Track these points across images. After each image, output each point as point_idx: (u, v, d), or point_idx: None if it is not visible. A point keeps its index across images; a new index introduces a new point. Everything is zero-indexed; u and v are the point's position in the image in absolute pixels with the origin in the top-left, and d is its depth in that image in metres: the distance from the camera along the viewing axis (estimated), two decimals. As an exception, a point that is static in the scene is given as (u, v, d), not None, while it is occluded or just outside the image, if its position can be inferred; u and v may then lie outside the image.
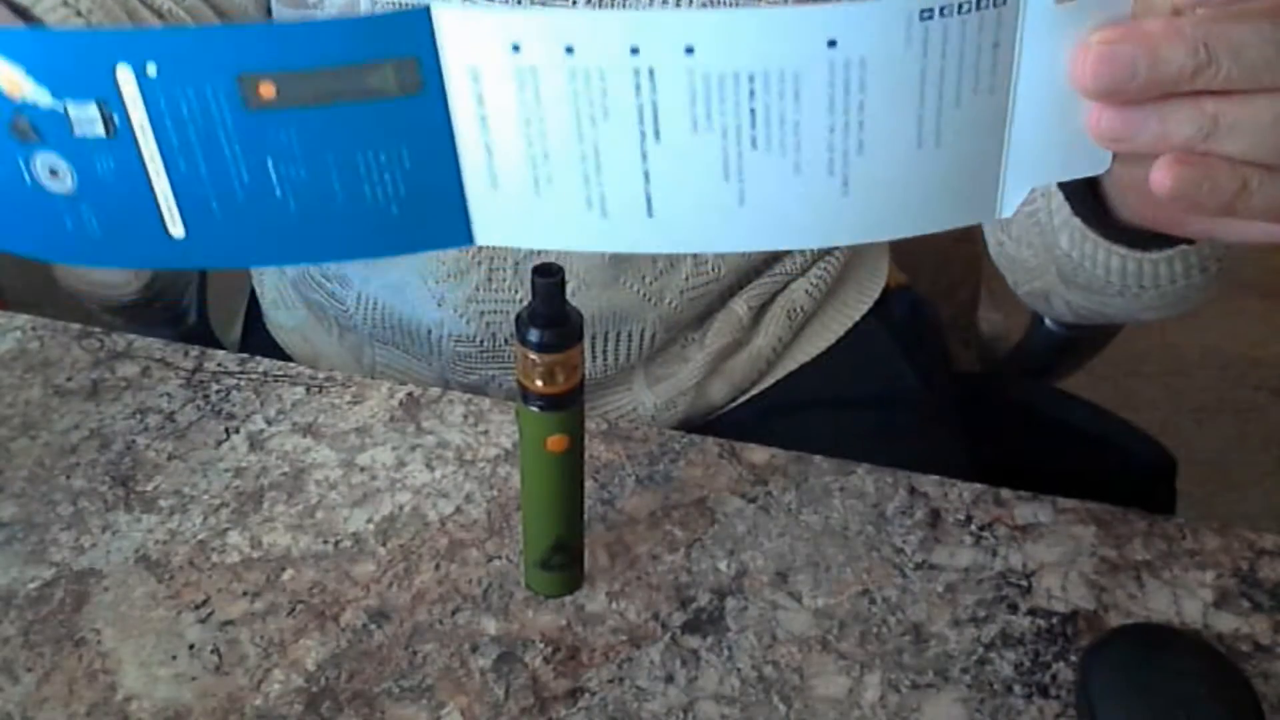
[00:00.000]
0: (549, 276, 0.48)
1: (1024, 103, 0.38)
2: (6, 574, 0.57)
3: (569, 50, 0.37)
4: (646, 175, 0.38)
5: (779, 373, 0.80)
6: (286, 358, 0.81)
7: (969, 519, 0.61)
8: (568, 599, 0.56)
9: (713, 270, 0.74)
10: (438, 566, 0.58)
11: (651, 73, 0.37)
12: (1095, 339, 0.91)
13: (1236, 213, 0.38)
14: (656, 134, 0.37)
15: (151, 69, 0.38)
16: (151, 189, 0.39)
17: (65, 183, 0.40)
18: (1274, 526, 0.61)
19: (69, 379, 0.68)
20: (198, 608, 0.56)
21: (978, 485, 0.62)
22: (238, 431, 0.65)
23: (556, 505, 0.54)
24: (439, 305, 0.73)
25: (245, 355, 0.70)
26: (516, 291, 0.72)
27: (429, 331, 0.75)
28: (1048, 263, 0.60)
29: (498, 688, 0.53)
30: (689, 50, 0.36)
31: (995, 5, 0.37)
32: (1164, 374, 1.71)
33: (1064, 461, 0.82)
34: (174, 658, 0.54)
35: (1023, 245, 0.63)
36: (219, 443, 0.64)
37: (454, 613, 0.56)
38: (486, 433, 0.65)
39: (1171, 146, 0.37)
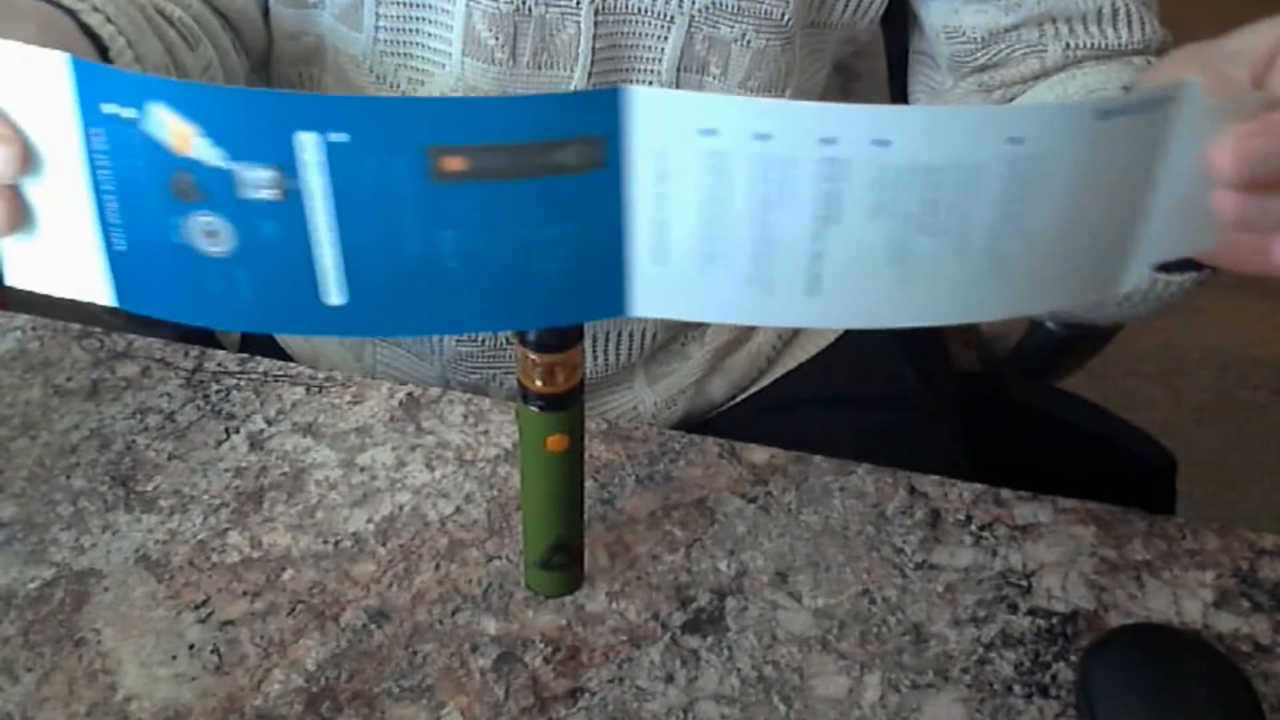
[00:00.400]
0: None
1: (1162, 191, 0.41)
2: (6, 574, 0.57)
3: (761, 137, 0.38)
4: (817, 257, 0.39)
5: (779, 371, 0.80)
6: (287, 357, 0.81)
7: (969, 519, 0.61)
8: (568, 599, 0.56)
9: None
10: (438, 566, 0.58)
11: (842, 164, 0.38)
12: (1095, 339, 0.91)
13: None
14: (837, 220, 0.38)
15: (339, 136, 0.37)
16: (312, 256, 0.39)
17: (222, 245, 0.39)
18: (1274, 526, 0.61)
19: (69, 379, 0.68)
20: (198, 608, 0.56)
21: (978, 485, 0.62)
22: (238, 431, 0.65)
23: (556, 505, 0.54)
24: None
25: (245, 355, 0.70)
26: None
27: None
28: None
29: (498, 688, 0.53)
30: (881, 143, 0.38)
31: (1157, 109, 0.39)
32: (1164, 374, 1.71)
33: (1064, 461, 0.82)
34: (174, 658, 0.54)
35: None
36: (219, 443, 0.64)
37: (454, 613, 0.56)
38: (486, 433, 0.65)
39: None
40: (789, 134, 0.38)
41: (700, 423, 0.80)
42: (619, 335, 0.74)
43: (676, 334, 0.77)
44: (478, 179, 0.38)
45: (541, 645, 0.55)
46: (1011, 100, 0.74)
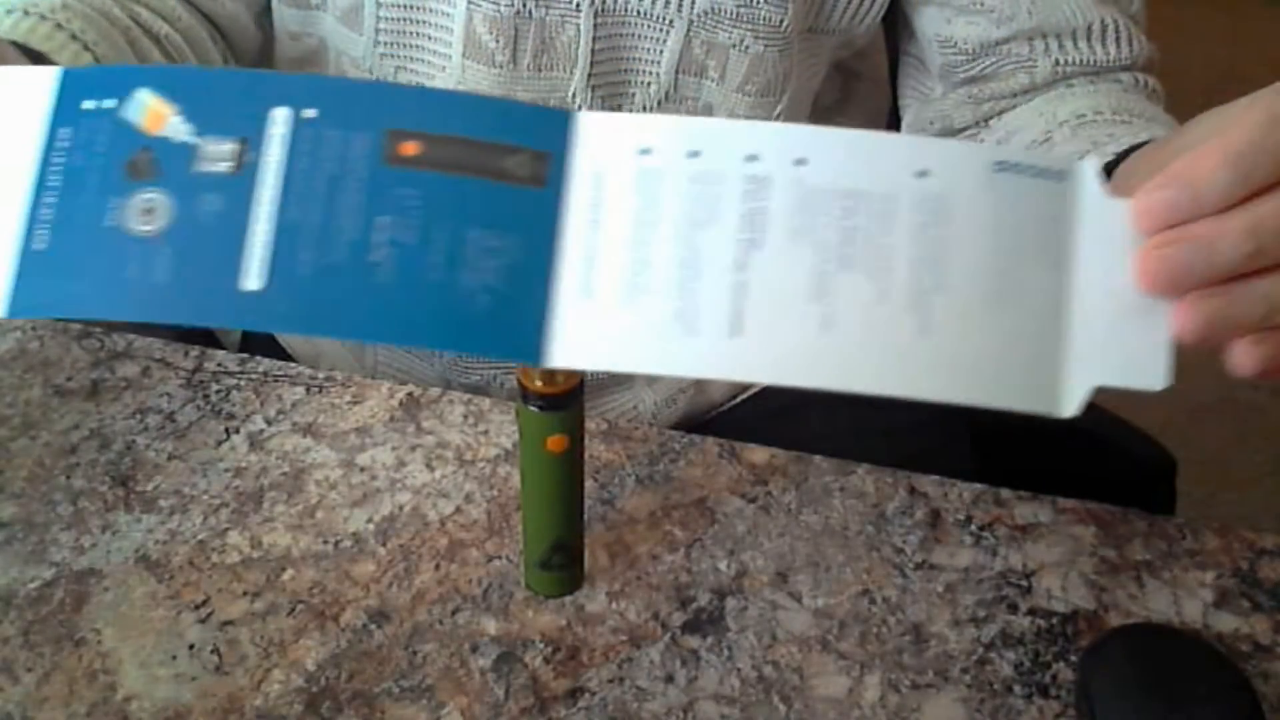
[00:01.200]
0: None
1: (1084, 294, 0.40)
2: (6, 574, 0.57)
3: (692, 154, 0.39)
4: (741, 287, 0.39)
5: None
6: (287, 357, 0.81)
7: (969, 519, 0.61)
8: (568, 599, 0.56)
9: None
10: (438, 566, 0.58)
11: (765, 180, 0.39)
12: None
13: None
14: (759, 243, 0.39)
15: (310, 112, 0.39)
16: (245, 234, 0.39)
17: (155, 223, 0.39)
18: (1274, 526, 0.61)
19: (69, 379, 0.68)
20: (198, 608, 0.56)
21: (978, 485, 0.62)
22: (238, 431, 0.65)
23: (556, 505, 0.54)
24: None
25: (245, 355, 0.70)
26: None
27: None
28: None
29: (498, 688, 0.53)
30: (801, 162, 0.39)
31: (1055, 179, 0.40)
32: (1164, 374, 1.70)
33: (1064, 461, 0.82)
34: (174, 658, 0.54)
35: None
36: (219, 443, 0.64)
37: (454, 613, 0.56)
38: (486, 433, 0.65)
39: (1245, 331, 0.40)
40: (717, 150, 0.39)
41: (700, 422, 0.80)
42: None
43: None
44: (429, 167, 0.39)
45: (541, 645, 0.55)
46: (999, 114, 0.74)
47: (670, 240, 0.39)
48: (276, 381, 0.68)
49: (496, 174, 0.39)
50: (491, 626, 0.55)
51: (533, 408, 0.51)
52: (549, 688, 0.53)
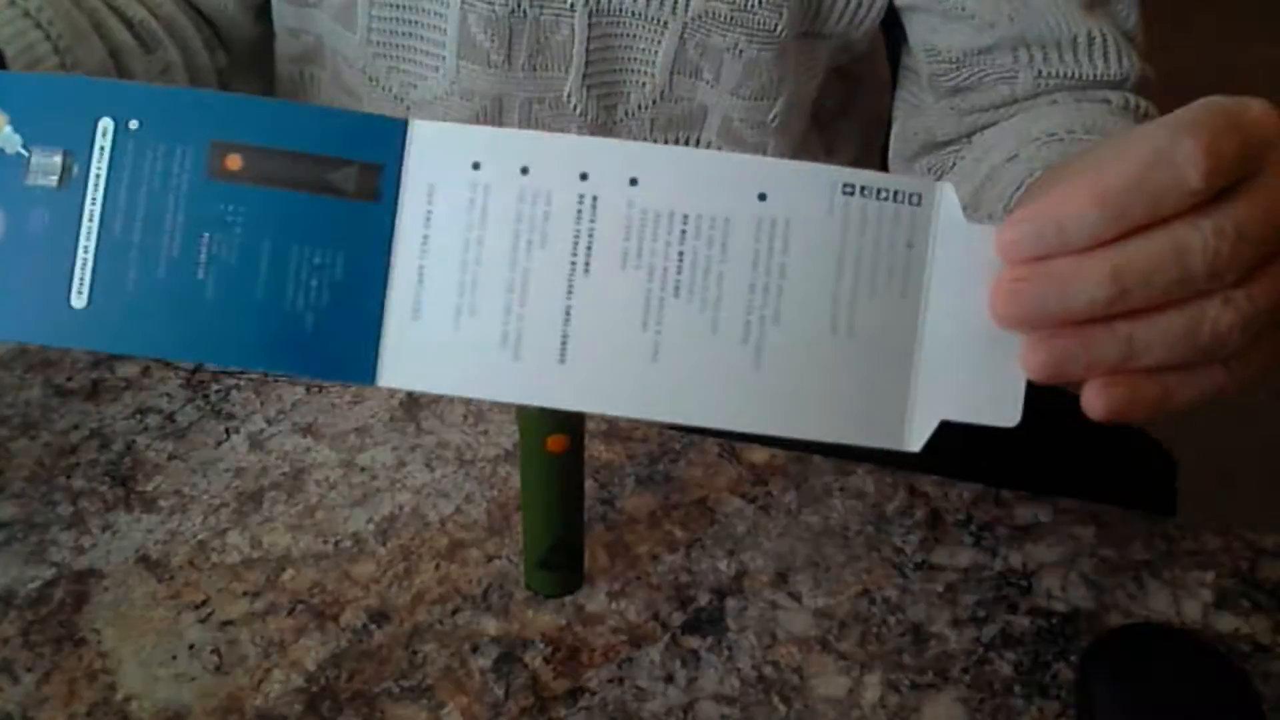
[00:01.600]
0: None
1: (937, 324, 0.39)
2: (6, 574, 0.57)
3: (524, 170, 0.38)
4: (568, 313, 0.38)
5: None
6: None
7: (969, 519, 0.61)
8: (568, 599, 0.56)
9: None
10: (438, 566, 0.58)
11: (595, 201, 0.38)
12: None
13: (1164, 410, 0.40)
14: (587, 267, 0.38)
15: (133, 123, 0.38)
16: (73, 252, 0.39)
17: None
18: (1274, 526, 0.61)
19: (69, 379, 0.68)
20: (198, 608, 0.56)
21: (978, 485, 0.62)
22: (238, 431, 0.65)
23: (556, 505, 0.54)
24: None
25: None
26: None
27: None
28: None
29: (498, 688, 0.53)
30: (633, 182, 0.38)
31: (910, 203, 0.38)
32: (1164, 374, 1.70)
33: (1064, 461, 0.82)
34: (174, 658, 0.54)
35: None
36: (219, 443, 0.64)
37: (454, 613, 0.56)
38: (486, 433, 0.65)
39: (1100, 373, 0.38)
40: (548, 166, 0.38)
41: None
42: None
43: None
44: (255, 182, 0.38)
45: (541, 645, 0.55)
46: (982, 128, 0.72)
47: (498, 261, 0.38)
48: (276, 381, 0.68)
49: (323, 188, 0.38)
50: (491, 626, 0.55)
51: (533, 408, 0.51)
52: (549, 688, 0.53)
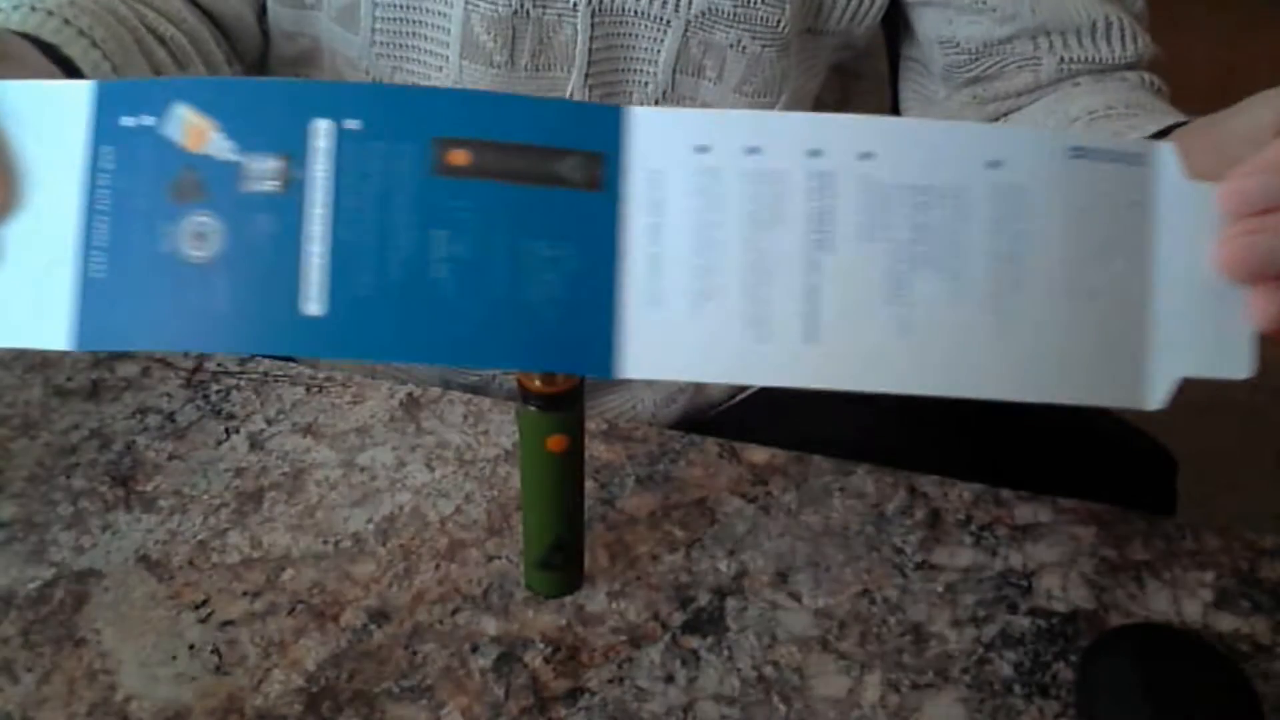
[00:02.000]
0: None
1: (1166, 282, 0.39)
2: (6, 574, 0.57)
3: (751, 150, 0.38)
4: (813, 290, 0.38)
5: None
6: (287, 357, 0.81)
7: (969, 519, 0.61)
8: (568, 599, 0.56)
9: None
10: (438, 566, 0.58)
11: (829, 177, 0.38)
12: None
13: None
14: (828, 243, 0.38)
15: (353, 124, 0.37)
16: (299, 255, 0.38)
17: (209, 248, 0.38)
18: (1274, 526, 0.61)
19: (69, 379, 0.68)
20: (198, 608, 0.56)
21: (978, 485, 0.62)
22: (238, 431, 0.65)
23: (556, 505, 0.54)
24: None
25: (245, 355, 0.70)
26: None
27: None
28: None
29: (498, 688, 0.53)
30: (865, 156, 0.38)
31: (1133, 163, 0.39)
32: (1164, 374, 1.70)
33: (1064, 461, 0.82)
34: (174, 658, 0.54)
35: None
36: (219, 443, 0.64)
37: (454, 613, 0.56)
38: (486, 433, 0.65)
39: None
40: (777, 146, 0.38)
41: (700, 422, 0.80)
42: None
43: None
44: (480, 176, 0.38)
45: (541, 645, 0.55)
46: (1006, 115, 0.74)
47: (736, 243, 0.38)
48: (276, 381, 0.68)
49: (549, 179, 0.38)
50: (491, 626, 0.55)
51: (533, 408, 0.51)
52: (549, 688, 0.53)
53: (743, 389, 0.80)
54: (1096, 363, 0.39)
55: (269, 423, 0.65)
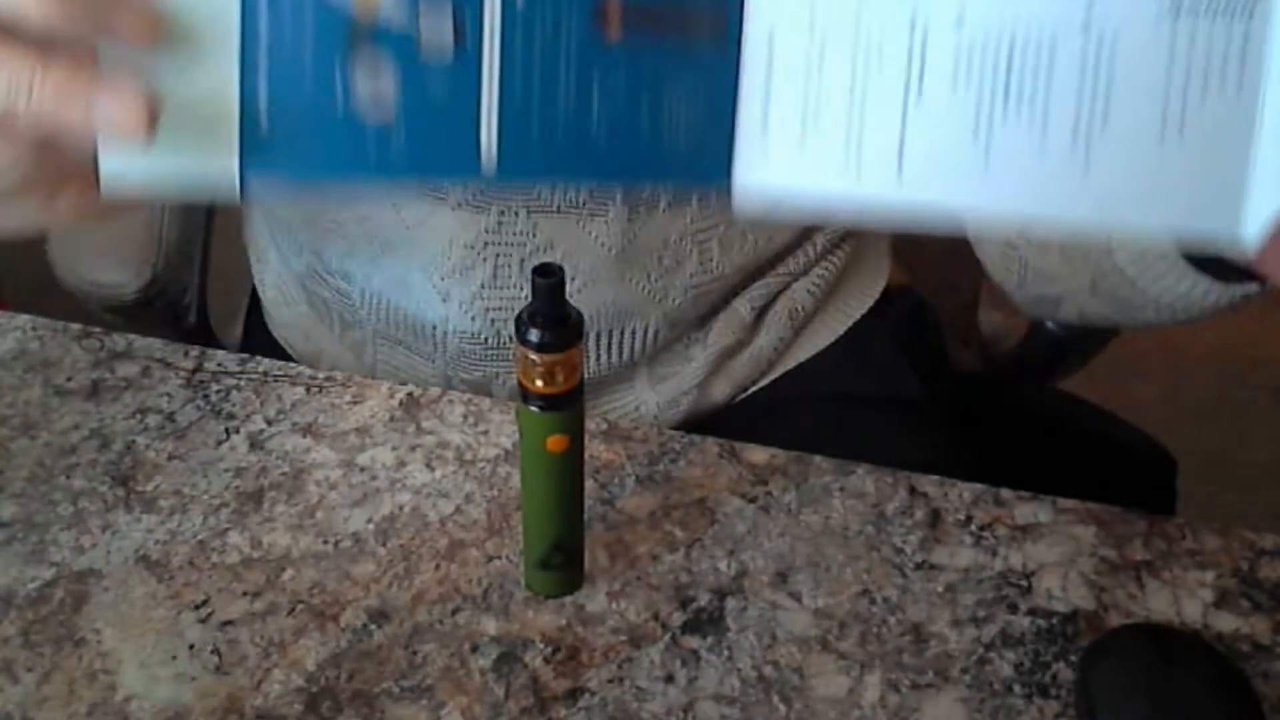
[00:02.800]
0: (549, 277, 0.48)
1: (1271, 120, 0.40)
2: (6, 574, 0.57)
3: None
4: (903, 122, 0.41)
5: (779, 370, 0.80)
6: (288, 357, 0.81)
7: (969, 519, 0.61)
8: (568, 599, 0.56)
9: (717, 268, 0.74)
10: (438, 566, 0.58)
11: (926, 25, 0.40)
12: (1096, 339, 0.91)
13: None
14: (920, 88, 0.41)
15: None
16: (480, 106, 0.41)
17: (387, 108, 0.41)
18: (1274, 526, 0.61)
19: (69, 379, 0.68)
20: (198, 608, 0.56)
21: (978, 485, 0.62)
22: (238, 431, 0.65)
23: (556, 505, 0.54)
24: (444, 301, 0.73)
25: (245, 355, 0.70)
26: (521, 288, 0.72)
27: (434, 328, 0.75)
28: (1081, 271, 0.60)
29: (498, 688, 0.53)
30: (961, 6, 0.40)
31: (1240, 18, 0.39)
32: (1164, 374, 1.71)
33: (1064, 461, 0.82)
34: (174, 658, 0.54)
35: (1047, 252, 0.62)
36: (219, 443, 0.64)
37: (454, 613, 0.56)
38: (486, 433, 0.65)
39: None
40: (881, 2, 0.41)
41: (701, 421, 0.80)
42: (622, 333, 0.74)
43: (679, 334, 0.77)
44: (630, 35, 0.41)
45: (541, 645, 0.55)
46: None
47: (838, 85, 0.41)
48: (276, 381, 0.68)
49: (686, 28, 0.41)
50: (491, 626, 0.55)
51: (533, 408, 0.51)
52: (549, 688, 0.53)
53: (743, 389, 0.80)
54: (1190, 196, 0.41)
55: (269, 423, 0.65)
